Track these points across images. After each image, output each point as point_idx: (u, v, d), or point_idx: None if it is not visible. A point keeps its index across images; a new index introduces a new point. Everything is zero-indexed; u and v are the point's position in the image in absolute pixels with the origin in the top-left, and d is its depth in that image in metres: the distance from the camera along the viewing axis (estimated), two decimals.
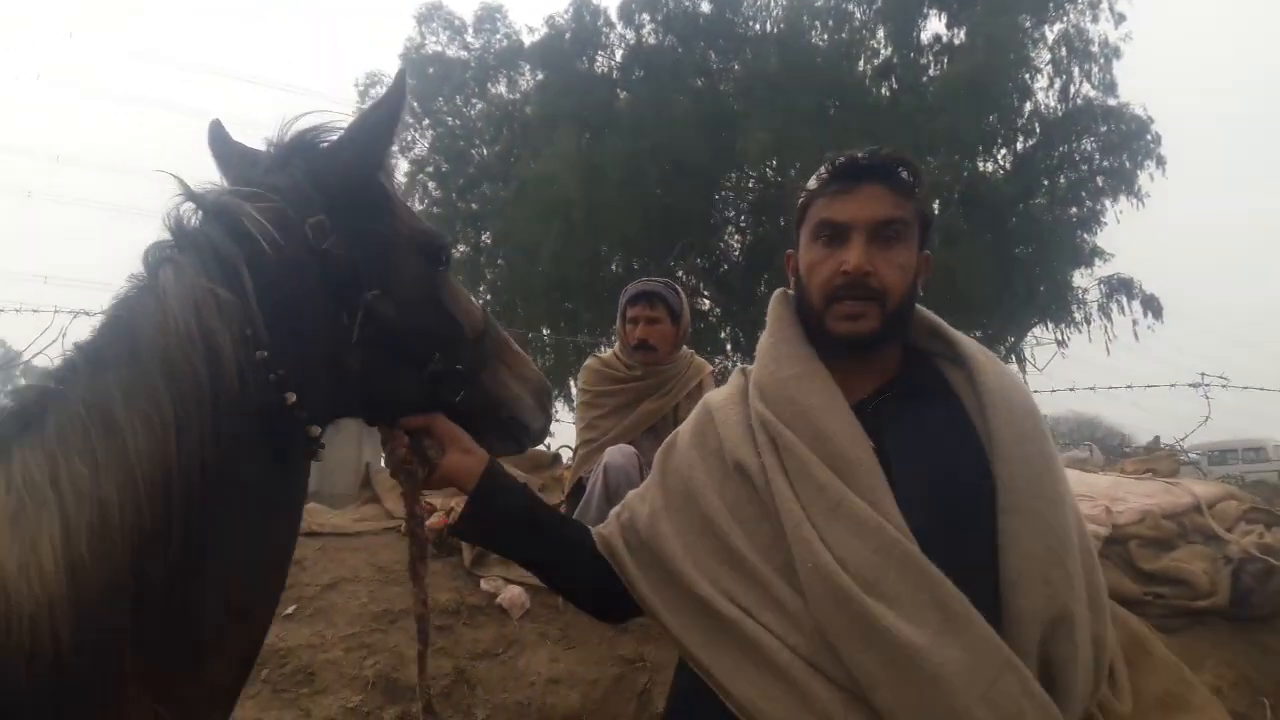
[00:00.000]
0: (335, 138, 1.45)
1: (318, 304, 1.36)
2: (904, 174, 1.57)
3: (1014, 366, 17.62)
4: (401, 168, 25.50)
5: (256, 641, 1.41)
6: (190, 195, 1.33)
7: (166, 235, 1.31)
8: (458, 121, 24.58)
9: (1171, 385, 5.07)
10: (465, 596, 3.38)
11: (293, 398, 1.29)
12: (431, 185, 23.85)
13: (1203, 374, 4.88)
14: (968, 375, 1.55)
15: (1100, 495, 3.74)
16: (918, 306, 1.66)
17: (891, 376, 1.61)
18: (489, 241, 22.11)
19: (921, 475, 1.44)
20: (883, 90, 19.99)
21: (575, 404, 3.93)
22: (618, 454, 3.28)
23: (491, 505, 1.63)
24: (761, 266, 20.23)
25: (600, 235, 19.22)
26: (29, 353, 4.62)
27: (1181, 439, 5.44)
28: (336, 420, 1.47)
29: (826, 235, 1.57)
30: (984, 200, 18.31)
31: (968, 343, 1.60)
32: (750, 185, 21.70)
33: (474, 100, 24.72)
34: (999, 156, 19.91)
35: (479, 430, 1.64)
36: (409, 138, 25.83)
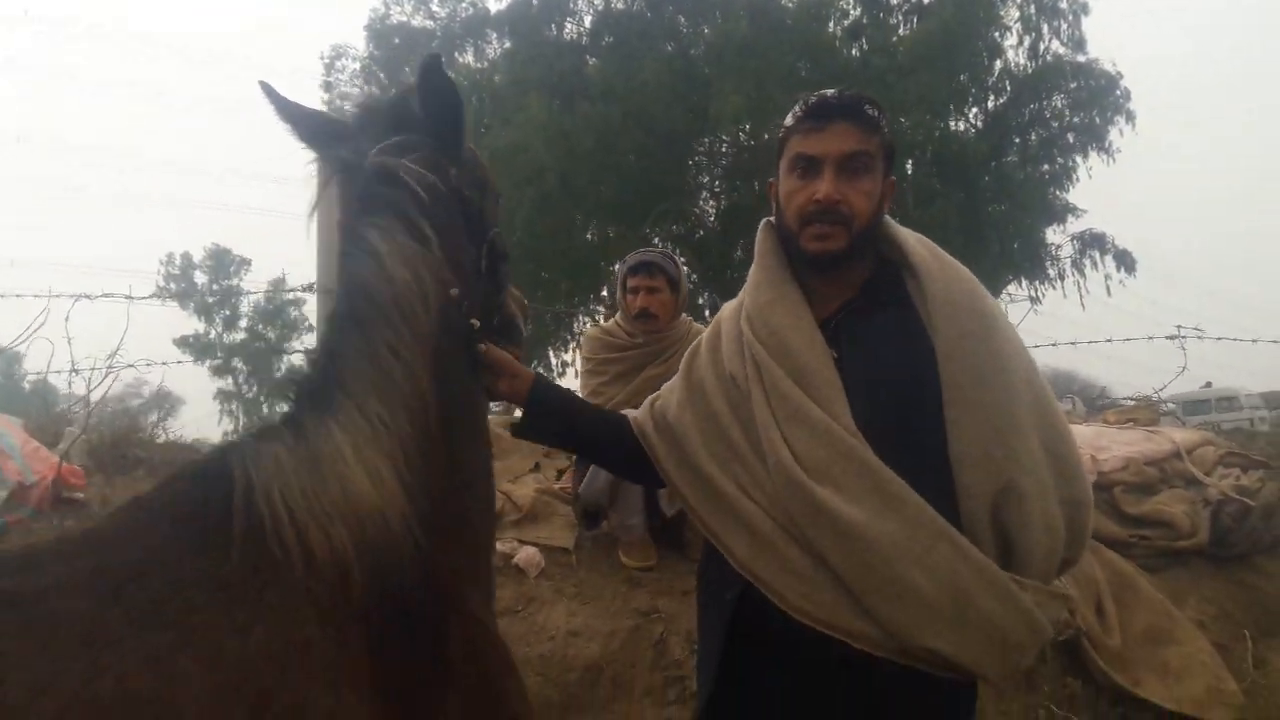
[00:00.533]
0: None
1: (463, 241, 1.61)
2: (869, 110, 1.77)
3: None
4: None
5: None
6: (346, 165, 1.56)
7: (354, 201, 1.53)
8: None
9: (1150, 338, 5.22)
10: None
11: (477, 323, 1.56)
12: None
13: (1179, 326, 5.05)
14: (919, 283, 1.75)
15: (1085, 445, 3.90)
16: (889, 223, 1.86)
17: (865, 283, 1.83)
18: None
19: (872, 379, 1.69)
20: (853, 51, 19.93)
21: (580, 372, 4.03)
22: None
23: (544, 410, 1.94)
24: (737, 232, 20.27)
25: (575, 203, 19.17)
26: (20, 339, 4.66)
27: (1159, 390, 5.62)
28: None
29: (802, 167, 1.78)
30: (956, 159, 18.37)
31: (917, 252, 1.79)
32: (724, 150, 21.67)
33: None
34: (970, 115, 19.96)
35: (499, 341, 1.89)
36: None
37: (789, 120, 1.81)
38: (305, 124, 1.64)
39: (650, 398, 2.02)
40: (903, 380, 1.68)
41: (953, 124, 19.52)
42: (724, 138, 21.06)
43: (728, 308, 1.95)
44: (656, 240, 20.28)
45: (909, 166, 19.46)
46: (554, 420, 1.97)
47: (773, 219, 1.94)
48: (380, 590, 1.28)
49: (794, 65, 18.58)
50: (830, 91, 1.78)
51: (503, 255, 1.77)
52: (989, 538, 1.60)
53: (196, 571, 1.16)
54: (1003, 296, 20.44)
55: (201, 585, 1.15)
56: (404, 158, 1.51)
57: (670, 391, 1.96)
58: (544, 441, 2.30)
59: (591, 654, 3.19)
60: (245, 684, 1.10)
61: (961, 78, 18.77)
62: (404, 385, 1.39)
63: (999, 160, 19.10)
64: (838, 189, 1.73)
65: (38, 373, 5.06)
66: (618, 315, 3.89)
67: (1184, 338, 5.01)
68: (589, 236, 21.01)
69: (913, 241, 1.82)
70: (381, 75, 25.09)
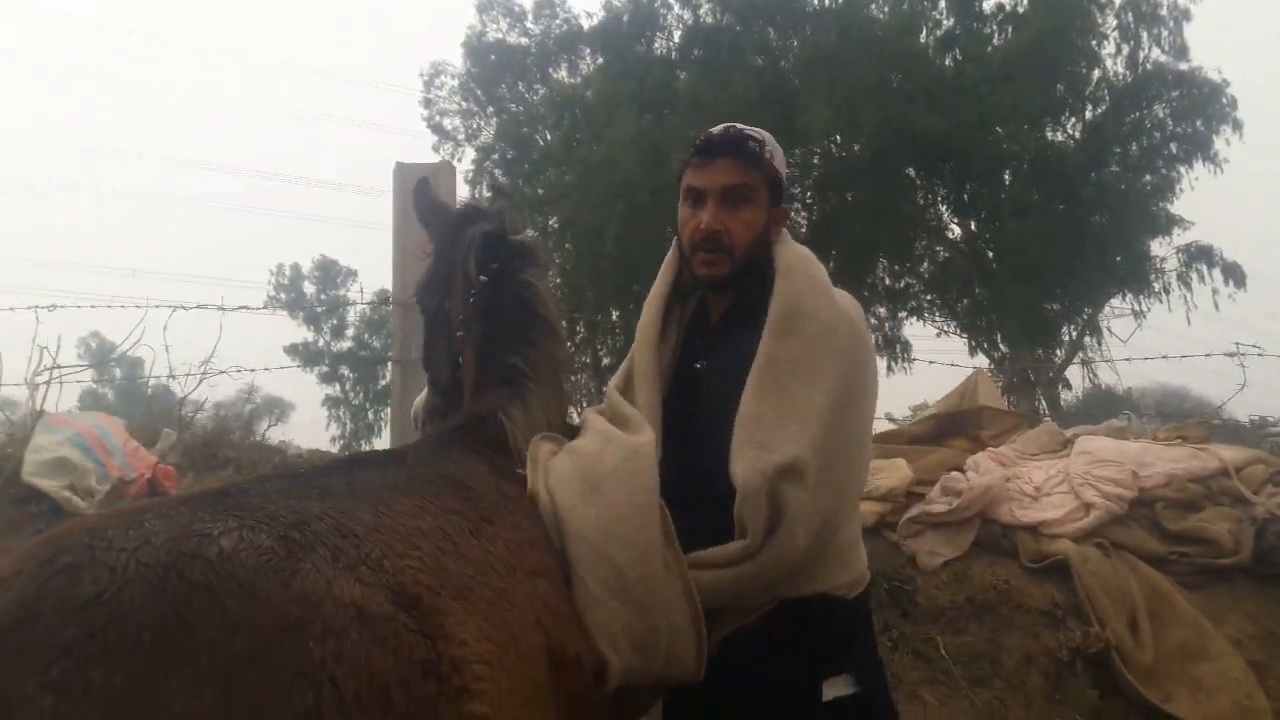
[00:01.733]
0: None
1: None
2: (751, 146, 1.91)
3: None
4: (468, 156, 26.05)
5: None
6: (489, 234, 2.07)
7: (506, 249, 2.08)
8: (520, 108, 24.97)
9: (1207, 355, 5.16)
10: None
11: None
12: (498, 173, 24.28)
13: (1238, 343, 4.98)
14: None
15: (1129, 460, 3.90)
16: (783, 241, 1.99)
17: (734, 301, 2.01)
18: (555, 226, 22.43)
19: (718, 382, 1.88)
20: (946, 61, 19.75)
21: None
22: None
23: None
24: (828, 243, 20.20)
25: (664, 216, 19.36)
26: (124, 344, 5.07)
27: (1220, 406, 5.53)
28: None
29: (692, 199, 1.96)
30: (1054, 170, 17.99)
31: (784, 264, 1.91)
32: (815, 162, 21.64)
33: (536, 86, 25.08)
34: (1068, 125, 19.53)
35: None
36: (474, 125, 26.34)
37: (683, 154, 1.98)
38: (431, 213, 2.24)
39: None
40: (733, 383, 1.82)
41: (1050, 134, 19.12)
42: (814, 149, 21.01)
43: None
44: None
45: (1006, 178, 19.16)
46: None
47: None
48: None
49: (885, 76, 18.46)
50: (717, 129, 1.94)
51: None
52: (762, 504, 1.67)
53: (519, 484, 1.66)
54: (1106, 310, 19.90)
55: (525, 494, 1.64)
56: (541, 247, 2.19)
57: None
58: None
59: None
60: (551, 565, 1.53)
61: (1058, 87, 18.39)
62: (559, 378, 2.03)
63: (1099, 171, 18.59)
64: (719, 219, 1.90)
65: (157, 376, 5.45)
66: None
67: (1243, 355, 4.95)
68: None
69: (788, 262, 1.93)
70: (479, 92, 25.84)
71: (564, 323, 2.19)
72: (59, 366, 4.78)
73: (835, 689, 1.75)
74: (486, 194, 23.51)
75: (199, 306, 4.59)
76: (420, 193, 2.30)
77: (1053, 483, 3.87)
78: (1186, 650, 3.36)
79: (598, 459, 1.67)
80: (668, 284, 2.06)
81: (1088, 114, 19.29)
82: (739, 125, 1.96)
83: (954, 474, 3.91)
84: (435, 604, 1.13)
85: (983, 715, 3.30)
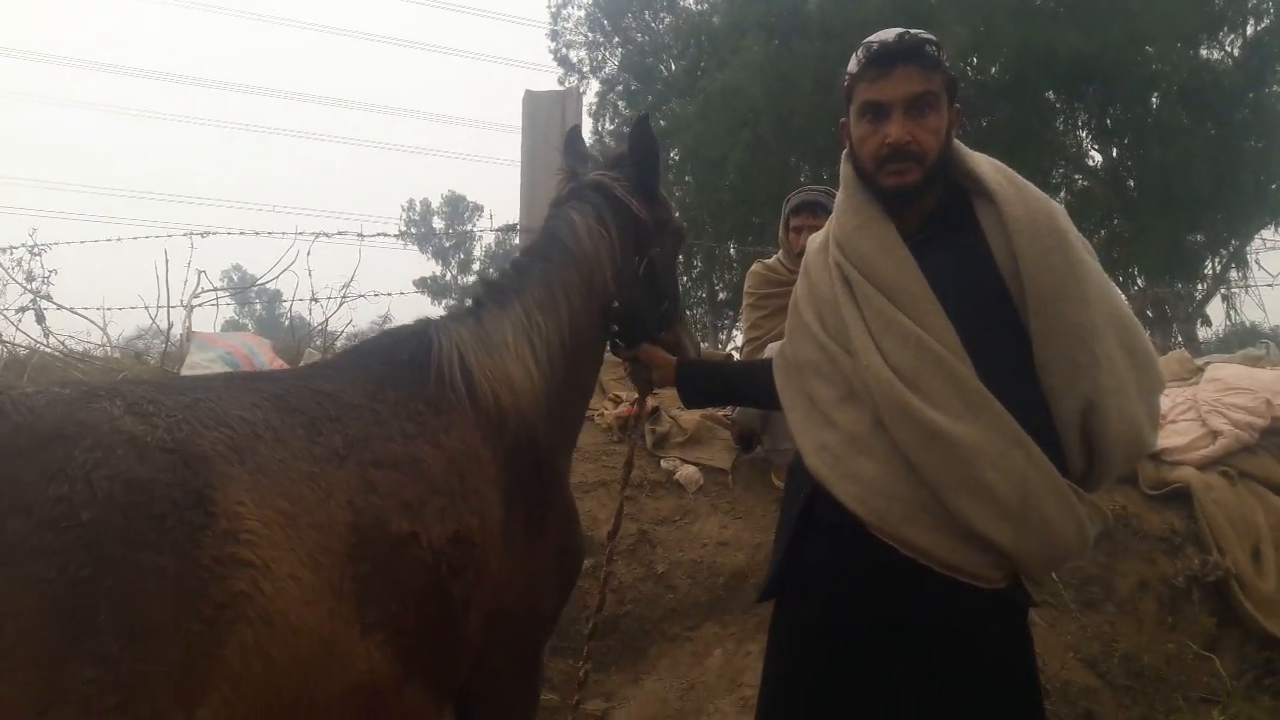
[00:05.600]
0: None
1: (630, 251, 2.30)
2: (930, 50, 1.84)
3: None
4: (592, 88, 26.11)
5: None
6: (574, 174, 2.38)
7: (565, 191, 2.36)
8: (646, 38, 24.76)
9: None
10: (648, 473, 3.88)
11: (617, 303, 2.25)
12: (621, 104, 24.22)
13: None
14: (995, 208, 1.83)
15: (1263, 389, 3.78)
16: (961, 149, 1.94)
17: (932, 213, 1.94)
18: (677, 158, 22.29)
19: (947, 294, 1.80)
20: None
21: (743, 306, 4.27)
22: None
23: (690, 384, 2.42)
24: None
25: (789, 145, 19.02)
26: (265, 276, 5.40)
27: None
28: None
29: (871, 113, 1.88)
30: (1208, 92, 16.77)
31: (993, 179, 1.87)
32: None
33: (662, 14, 24.78)
34: (1226, 42, 18.14)
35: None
36: (599, 57, 26.30)
37: (853, 67, 1.90)
38: (575, 154, 2.48)
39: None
40: (972, 297, 1.80)
41: (1205, 52, 17.83)
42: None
43: (812, 243, 2.12)
44: None
45: (1153, 101, 18.02)
46: (700, 390, 2.49)
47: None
48: (519, 436, 1.95)
49: None
50: (890, 36, 1.84)
51: (668, 292, 2.43)
52: (1076, 438, 1.76)
53: (413, 393, 1.81)
54: (1255, 242, 18.67)
55: (418, 400, 1.81)
56: (614, 182, 2.30)
57: (786, 327, 2.16)
58: (704, 405, 3.03)
59: (738, 562, 3.50)
60: (454, 463, 1.76)
61: (1217, 1, 17.07)
62: (561, 313, 2.09)
63: (1258, 91, 17.26)
64: (907, 130, 1.82)
65: (301, 299, 5.78)
66: (780, 253, 4.11)
67: None
68: (803, 179, 20.83)
69: (987, 168, 1.89)
70: (605, 22, 25.73)
71: (595, 251, 2.26)
72: (215, 289, 5.15)
73: None
74: (609, 126, 23.65)
75: (340, 234, 4.88)
76: (571, 143, 2.54)
77: (1179, 410, 3.80)
78: None
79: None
80: (873, 201, 1.93)
81: (1249, 29, 17.84)
82: (910, 30, 1.86)
83: None
84: (224, 468, 1.34)
85: (1092, 638, 3.32)
